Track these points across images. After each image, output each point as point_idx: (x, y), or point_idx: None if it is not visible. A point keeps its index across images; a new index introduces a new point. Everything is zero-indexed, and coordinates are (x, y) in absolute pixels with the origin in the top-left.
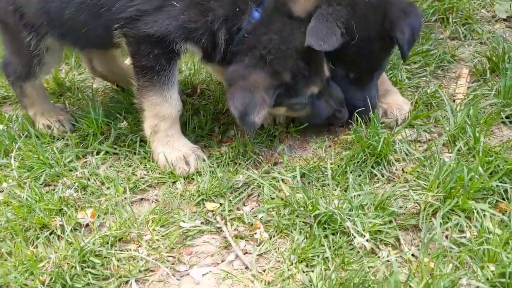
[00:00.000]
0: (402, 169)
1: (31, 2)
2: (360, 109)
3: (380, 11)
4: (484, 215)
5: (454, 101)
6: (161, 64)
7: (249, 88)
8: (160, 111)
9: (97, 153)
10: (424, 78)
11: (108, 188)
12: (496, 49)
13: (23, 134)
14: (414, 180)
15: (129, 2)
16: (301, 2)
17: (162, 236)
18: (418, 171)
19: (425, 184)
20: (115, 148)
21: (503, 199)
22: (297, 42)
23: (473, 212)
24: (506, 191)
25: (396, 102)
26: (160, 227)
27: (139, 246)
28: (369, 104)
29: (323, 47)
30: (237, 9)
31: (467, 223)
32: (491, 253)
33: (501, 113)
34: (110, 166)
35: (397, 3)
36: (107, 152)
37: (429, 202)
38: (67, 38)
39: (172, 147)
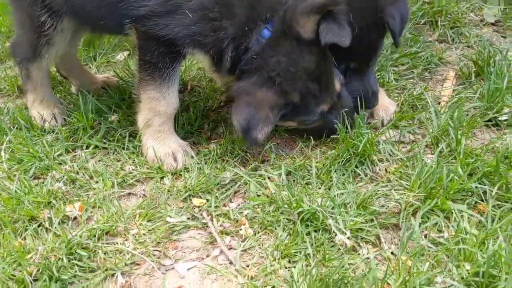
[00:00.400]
0: (385, 169)
1: None
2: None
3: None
4: (462, 215)
5: (439, 103)
6: (165, 61)
7: (254, 104)
8: (156, 106)
9: (87, 147)
10: (411, 80)
11: (96, 182)
12: (482, 53)
13: (13, 127)
14: (396, 180)
15: (143, 1)
16: (307, 24)
17: (149, 230)
18: (400, 172)
19: (407, 184)
20: (105, 143)
21: (482, 200)
22: (307, 64)
23: (452, 212)
24: (485, 192)
25: (382, 103)
26: (147, 221)
27: (126, 240)
28: (372, 91)
29: (346, 42)
30: (246, 28)
31: (446, 223)
32: (467, 252)
33: (484, 116)
34: (99, 161)
35: None
36: (96, 146)
37: (410, 202)
38: (86, 26)
39: (162, 143)
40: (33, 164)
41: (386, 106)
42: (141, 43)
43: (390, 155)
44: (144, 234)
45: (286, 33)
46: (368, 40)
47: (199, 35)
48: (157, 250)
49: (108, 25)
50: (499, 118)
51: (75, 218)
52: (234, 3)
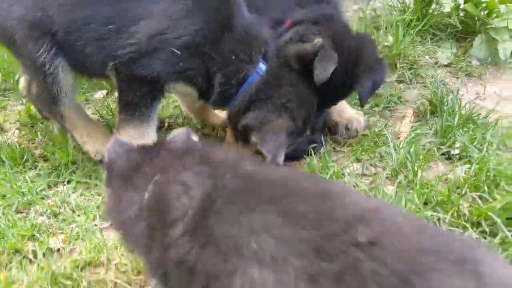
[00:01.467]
0: None
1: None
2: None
3: (353, 58)
4: None
5: (398, 138)
6: (146, 101)
7: (277, 131)
8: None
9: (68, 182)
10: (373, 118)
11: (78, 215)
12: (436, 93)
13: None
14: None
15: (127, 40)
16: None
17: (130, 260)
18: None
19: None
20: (86, 178)
21: None
22: (307, 92)
23: None
24: (439, 219)
25: (351, 115)
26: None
27: (108, 270)
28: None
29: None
30: (239, 60)
31: None
32: None
33: (438, 150)
34: (81, 195)
35: (367, 56)
36: (78, 182)
37: None
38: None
39: None
40: (16, 198)
41: (355, 117)
42: (122, 85)
43: (354, 186)
44: (125, 264)
45: (285, 65)
46: (331, 95)
47: (187, 70)
48: (139, 279)
49: (93, 67)
50: (452, 152)
51: (58, 250)
52: (226, 39)
